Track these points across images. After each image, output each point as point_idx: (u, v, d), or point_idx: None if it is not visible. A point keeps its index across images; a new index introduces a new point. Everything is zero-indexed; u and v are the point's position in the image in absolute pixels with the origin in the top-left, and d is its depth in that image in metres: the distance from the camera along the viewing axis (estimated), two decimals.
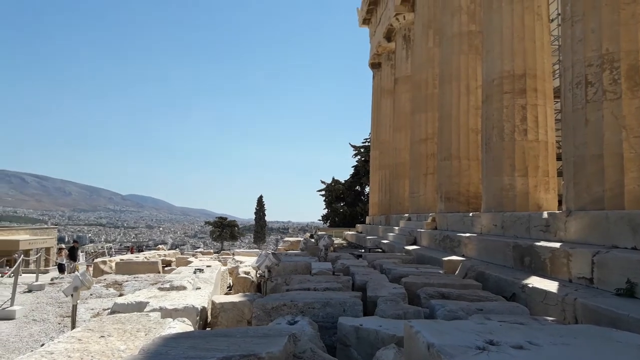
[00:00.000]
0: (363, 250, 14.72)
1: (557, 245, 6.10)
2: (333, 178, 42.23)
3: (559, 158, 8.86)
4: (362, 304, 5.09)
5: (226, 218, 70.31)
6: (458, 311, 4.62)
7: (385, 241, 15.02)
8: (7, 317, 8.03)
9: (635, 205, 5.56)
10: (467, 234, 9.29)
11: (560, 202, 8.46)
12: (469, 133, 11.33)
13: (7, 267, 23.64)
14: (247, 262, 12.00)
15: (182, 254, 21.20)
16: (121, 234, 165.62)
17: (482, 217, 9.17)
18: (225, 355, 2.43)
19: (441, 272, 7.90)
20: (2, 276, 16.71)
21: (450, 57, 11.82)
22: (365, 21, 25.23)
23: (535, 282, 5.77)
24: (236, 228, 68.33)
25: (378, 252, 13.56)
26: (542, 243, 6.50)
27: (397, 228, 15.38)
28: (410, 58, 17.12)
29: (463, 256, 8.88)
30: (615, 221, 5.35)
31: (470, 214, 10.00)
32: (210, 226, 69.99)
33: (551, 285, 5.45)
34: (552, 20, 12.07)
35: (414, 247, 11.81)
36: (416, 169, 14.60)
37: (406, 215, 15.23)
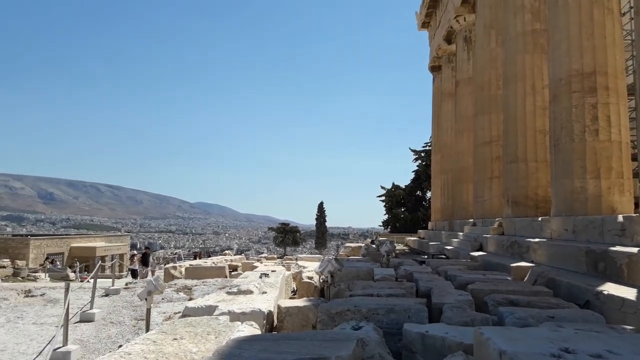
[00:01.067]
0: (426, 257, 14.49)
1: (634, 250, 5.81)
2: (393, 183, 41.87)
3: (634, 158, 8.40)
4: (427, 311, 5.04)
5: (288, 224, 71.37)
6: (528, 318, 4.48)
7: (449, 247, 14.74)
8: (88, 319, 8.55)
9: None
10: (536, 239, 8.96)
11: (636, 205, 8.02)
12: (535, 134, 10.94)
13: (86, 272, 25.14)
14: (310, 267, 12.14)
15: (247, 259, 21.71)
16: (189, 240, 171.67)
17: (552, 222, 8.82)
18: (296, 358, 2.49)
19: (509, 278, 7.66)
20: (81, 281, 17.77)
21: (514, 57, 11.49)
22: (424, 24, 24.96)
23: (611, 289, 5.50)
24: (298, 234, 69.20)
25: (442, 258, 13.31)
26: (617, 248, 6.20)
27: (461, 234, 15.05)
28: (471, 59, 16.77)
29: (532, 262, 8.58)
30: None
31: (539, 219, 9.65)
32: (274, 232, 71.24)
33: (629, 293, 5.18)
34: (624, 14, 11.46)
35: (480, 253, 11.51)
36: (480, 173, 14.24)
37: (471, 220, 14.88)
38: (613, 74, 8.32)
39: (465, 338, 3.66)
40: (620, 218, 6.76)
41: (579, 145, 8.32)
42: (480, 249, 12.06)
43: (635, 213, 7.36)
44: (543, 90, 10.72)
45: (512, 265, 8.47)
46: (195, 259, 29.68)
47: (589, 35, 8.40)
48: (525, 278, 7.56)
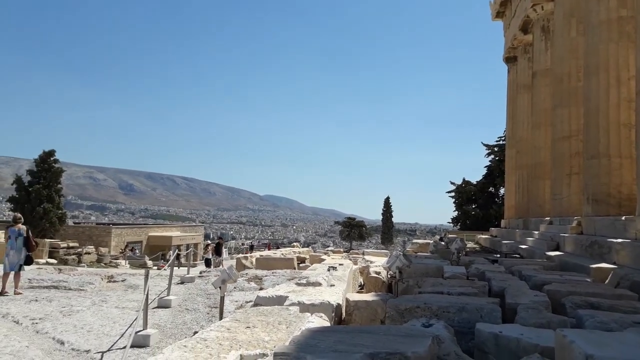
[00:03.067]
0: (498, 255, 14.03)
1: None
2: (464, 179, 40.78)
3: None
4: (500, 311, 4.90)
5: (354, 218, 71.39)
6: (610, 323, 4.24)
7: (523, 246, 14.20)
8: (165, 305, 9.00)
9: None
10: (619, 240, 8.45)
11: None
12: (619, 128, 10.28)
13: (162, 260, 26.43)
14: (377, 262, 12.08)
15: (314, 251, 21.98)
16: (259, 232, 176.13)
17: (637, 222, 8.28)
18: (372, 351, 2.51)
19: (588, 280, 7.29)
20: (159, 269, 18.71)
21: (597, 46, 10.83)
22: (499, 14, 24.06)
23: None
24: (364, 228, 69.09)
25: (515, 257, 12.83)
26: None
27: (536, 232, 14.45)
28: (549, 50, 16.00)
29: (614, 264, 8.11)
30: None
31: (623, 218, 9.08)
32: (340, 226, 71.56)
33: None
34: None
35: (557, 253, 11.01)
36: (558, 169, 13.58)
37: (547, 218, 14.24)
38: None
39: (541, 340, 3.54)
40: None
41: None
42: (556, 249, 11.53)
43: None
44: (629, 81, 10.05)
45: (591, 266, 8.04)
46: (268, 249, 30.42)
47: None
48: (607, 280, 7.16)
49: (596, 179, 10.57)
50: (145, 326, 6.71)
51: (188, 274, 12.64)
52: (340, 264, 9.39)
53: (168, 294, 9.41)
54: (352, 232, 66.26)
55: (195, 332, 4.95)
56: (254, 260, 14.78)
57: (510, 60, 22.69)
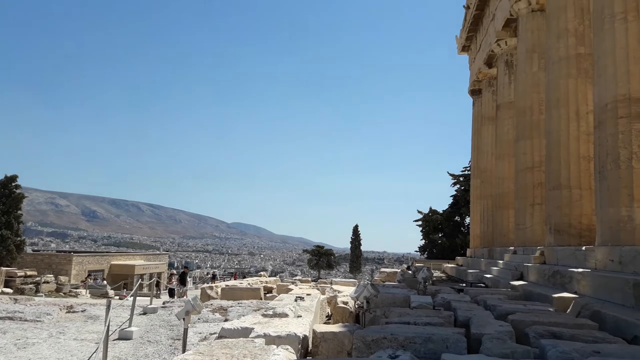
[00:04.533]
0: (464, 285, 14.16)
1: None
2: (430, 208, 41.26)
3: None
4: (465, 341, 4.91)
5: (323, 247, 71.11)
6: (572, 352, 4.31)
7: (488, 275, 14.37)
8: (126, 337, 8.69)
9: None
10: (580, 270, 8.65)
11: None
12: (579, 161, 10.65)
13: (124, 290, 25.67)
14: (345, 291, 12.04)
15: (281, 281, 21.73)
16: (225, 260, 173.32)
17: (597, 252, 8.50)
18: None
19: (551, 309, 7.40)
20: (120, 298, 18.15)
21: (558, 81, 11.28)
22: (465, 48, 24.87)
23: None
24: (332, 257, 68.80)
25: (481, 286, 12.98)
26: None
27: (501, 262, 14.67)
28: (513, 83, 16.56)
29: (575, 293, 8.26)
30: None
31: (583, 248, 9.31)
32: (308, 254, 71.09)
33: None
34: None
35: (520, 282, 11.17)
36: (522, 199, 13.91)
37: (511, 248, 14.49)
38: None
39: None
40: None
41: (625, 173, 8.03)
42: (520, 278, 11.71)
43: None
44: (587, 115, 10.46)
45: (554, 295, 8.18)
46: (234, 279, 29.94)
47: (637, 60, 8.17)
48: (569, 310, 7.28)
49: (558, 210, 10.85)
50: (104, 359, 6.46)
51: (151, 304, 12.28)
52: (307, 294, 9.30)
53: (130, 325, 9.11)
54: (321, 260, 65.90)
55: None
56: (219, 290, 14.51)
57: (475, 92, 23.36)
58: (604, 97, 8.58)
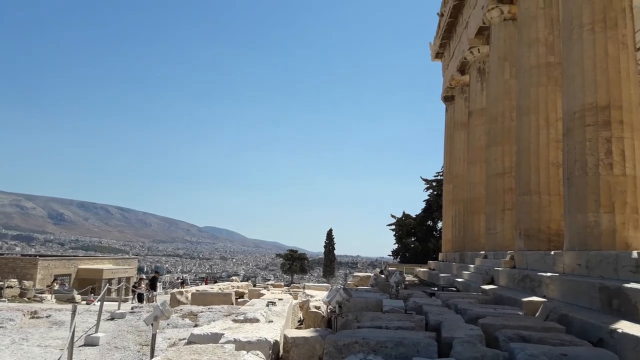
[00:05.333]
0: (436, 289, 14.28)
1: None
2: (404, 212, 41.55)
3: None
4: (436, 345, 4.93)
5: (296, 251, 70.95)
6: (540, 355, 4.37)
7: (459, 279, 14.52)
8: (92, 343, 8.46)
9: None
10: (549, 274, 8.80)
11: None
12: (549, 167, 10.86)
13: (92, 295, 25.06)
14: (318, 296, 11.98)
15: (254, 286, 21.54)
16: (196, 265, 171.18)
17: (565, 256, 8.67)
18: None
19: (520, 313, 7.50)
20: (87, 303, 17.70)
21: (528, 89, 11.50)
22: (438, 55, 25.18)
23: (626, 327, 5.36)
24: (306, 261, 68.74)
25: (452, 290, 13.10)
26: (632, 285, 6.06)
27: (472, 266, 14.84)
28: (485, 90, 16.82)
29: (544, 297, 8.40)
30: None
31: (552, 253, 9.49)
32: (281, 259, 70.86)
33: None
34: (639, 49, 11.48)
35: (491, 286, 11.31)
36: (493, 205, 14.11)
37: (482, 252, 14.68)
38: (627, 108, 8.27)
39: None
40: (634, 254, 6.63)
41: (592, 179, 8.22)
42: (491, 282, 11.86)
43: None
44: (557, 122, 10.68)
45: (523, 299, 8.29)
46: (205, 283, 29.58)
47: (604, 70, 8.39)
48: (537, 313, 7.39)
49: (528, 215, 11.04)
50: None
51: (119, 309, 12.00)
52: (279, 299, 9.22)
53: (96, 331, 8.87)
54: (294, 265, 65.76)
55: None
56: (189, 295, 14.27)
57: (448, 99, 23.66)
58: (572, 105, 8.78)
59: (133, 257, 50.66)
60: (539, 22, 11.59)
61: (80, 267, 36.18)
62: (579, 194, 8.42)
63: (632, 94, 8.43)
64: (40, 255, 40.00)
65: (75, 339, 7.16)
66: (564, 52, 9.33)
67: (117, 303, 13.07)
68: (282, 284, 25.68)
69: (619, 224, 7.95)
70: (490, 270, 12.35)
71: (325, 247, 66.12)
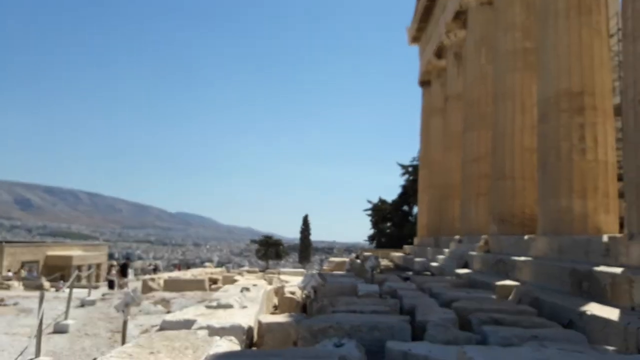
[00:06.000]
0: (411, 273, 14.39)
1: (618, 270, 5.78)
2: (380, 198, 41.77)
3: (620, 179, 8.42)
4: (410, 328, 4.94)
5: (272, 237, 70.94)
6: (512, 338, 4.43)
7: (434, 264, 14.65)
8: (62, 330, 8.29)
9: None
10: (522, 258, 8.92)
11: (621, 225, 8.01)
12: (523, 152, 10.95)
13: (62, 282, 24.59)
14: (293, 281, 11.96)
15: (228, 272, 21.41)
16: (169, 252, 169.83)
17: (538, 241, 8.79)
18: None
19: (494, 297, 7.59)
20: (56, 290, 17.35)
21: (504, 74, 11.53)
22: (415, 39, 25.07)
23: (595, 309, 5.48)
24: (281, 247, 68.77)
25: (427, 275, 13.21)
26: (601, 268, 6.17)
27: (447, 250, 14.99)
28: (461, 76, 16.84)
29: (517, 281, 8.51)
30: None
31: (525, 237, 9.61)
32: (256, 244, 70.73)
33: (612, 313, 5.15)
34: (612, 36, 11.60)
35: (465, 270, 11.43)
36: (468, 190, 14.22)
37: (457, 237, 14.83)
38: (600, 95, 8.37)
39: (448, 357, 3.59)
40: (605, 238, 6.76)
41: (566, 165, 8.32)
42: (465, 267, 11.98)
43: (620, 233, 7.36)
44: (532, 108, 10.74)
45: (497, 283, 8.38)
46: (178, 270, 29.32)
47: (578, 56, 8.45)
48: (510, 297, 7.47)
49: (502, 200, 11.15)
50: (38, 354, 6.16)
51: (89, 296, 11.80)
52: (254, 285, 9.15)
53: (65, 318, 8.71)
54: (269, 251, 65.72)
55: (95, 359, 4.58)
56: (161, 282, 14.12)
57: (424, 84, 23.67)
58: (547, 91, 8.84)
59: (103, 243, 49.89)
60: (516, 7, 11.60)
61: (48, 253, 35.39)
62: (552, 179, 8.51)
63: (605, 81, 8.53)
64: (6, 242, 38.99)
65: (44, 326, 7.00)
66: (540, 37, 9.36)
67: (87, 290, 12.84)
68: (257, 270, 25.60)
69: (591, 209, 8.08)
70: (465, 255, 12.48)
71: (301, 232, 66.25)
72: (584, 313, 5.48)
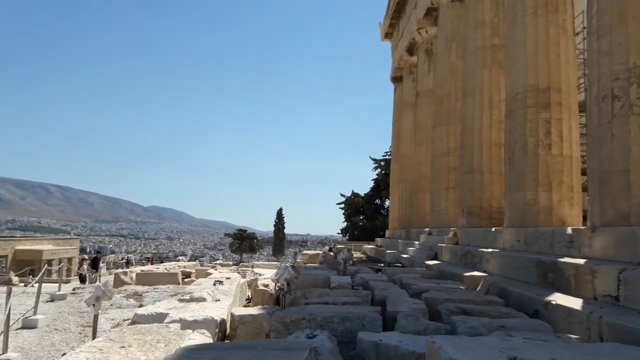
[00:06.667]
0: (382, 265, 14.59)
1: (581, 261, 5.98)
2: (353, 191, 42.10)
3: (583, 173, 8.70)
4: (381, 319, 5.04)
5: (246, 230, 70.61)
6: (480, 328, 4.55)
7: (405, 256, 14.88)
8: (30, 326, 8.14)
9: None
10: (490, 250, 9.14)
11: (585, 218, 8.28)
12: (491, 147, 11.20)
13: (31, 277, 24.04)
14: (266, 274, 11.98)
15: (201, 265, 21.29)
16: (142, 245, 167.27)
17: (505, 233, 9.02)
18: None
19: (462, 287, 7.78)
20: (25, 285, 16.99)
21: (473, 70, 11.75)
22: (388, 35, 25.25)
23: (559, 299, 5.66)
24: (255, 240, 68.54)
25: (398, 266, 13.43)
26: (566, 259, 6.38)
27: (417, 242, 15.23)
28: (432, 72, 17.06)
29: (485, 272, 8.74)
30: None
31: (493, 229, 9.85)
32: (230, 238, 70.32)
33: (575, 303, 5.34)
34: (578, 34, 11.91)
35: (435, 262, 11.66)
36: (437, 183, 14.47)
37: (427, 229, 15.08)
38: (566, 91, 8.61)
39: (418, 346, 3.67)
40: (569, 230, 6.96)
41: (532, 159, 8.55)
42: (435, 258, 12.22)
43: (583, 226, 7.61)
44: (500, 104, 10.98)
45: (465, 274, 8.59)
46: (151, 264, 28.99)
47: (545, 53, 8.67)
48: (478, 287, 7.67)
49: (470, 193, 11.39)
50: (5, 350, 6.04)
51: (59, 290, 11.60)
52: (227, 278, 9.16)
53: (34, 313, 8.55)
54: (243, 244, 65.43)
55: (64, 354, 4.53)
56: (134, 275, 13.96)
57: (396, 79, 23.88)
58: (514, 87, 9.05)
59: (75, 237, 48.85)
60: (485, 4, 11.80)
61: (17, 248, 34.53)
62: (519, 173, 8.74)
63: (571, 77, 8.78)
64: None
65: (12, 322, 6.87)
66: (508, 34, 9.56)
67: (58, 284, 12.62)
68: (231, 263, 25.55)
69: (556, 201, 8.33)
70: (435, 247, 12.71)
71: (275, 226, 66.16)
72: (549, 303, 5.66)
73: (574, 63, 9.02)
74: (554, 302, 5.59)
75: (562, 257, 6.55)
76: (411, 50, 20.41)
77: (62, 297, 11.06)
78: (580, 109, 9.32)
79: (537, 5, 8.87)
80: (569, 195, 8.40)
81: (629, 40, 5.85)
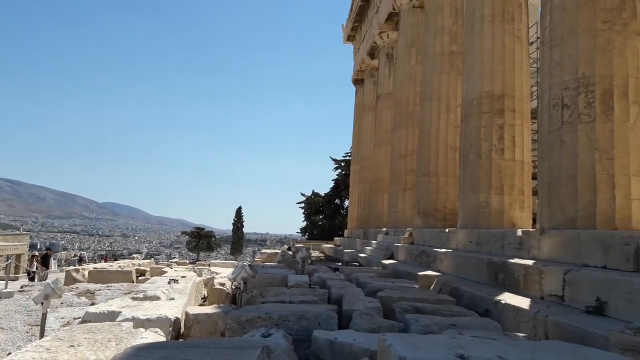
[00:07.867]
0: (340, 264, 14.70)
1: (530, 262, 6.20)
2: (313, 191, 42.19)
3: (534, 177, 9.04)
4: (337, 317, 5.08)
5: (203, 228, 69.58)
6: (432, 326, 4.64)
7: (362, 255, 15.04)
8: None
9: (607, 226, 5.68)
10: (443, 250, 9.37)
11: (534, 221, 8.61)
12: (447, 151, 11.49)
13: None
14: (223, 273, 11.87)
15: (156, 263, 20.86)
16: (95, 242, 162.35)
17: (458, 233, 9.26)
18: None
19: (417, 286, 7.93)
20: None
21: (432, 76, 12.00)
22: (350, 38, 25.46)
23: (508, 298, 5.84)
24: (213, 239, 67.65)
25: (355, 265, 13.56)
26: (515, 260, 6.59)
27: (374, 242, 15.42)
28: (392, 75, 17.33)
29: (438, 271, 8.94)
30: (587, 240, 5.46)
31: (447, 230, 10.10)
32: (187, 236, 69.16)
33: (523, 302, 5.53)
34: (532, 44, 12.35)
35: (391, 261, 11.85)
36: (395, 185, 14.70)
37: (384, 229, 15.30)
38: (519, 98, 8.91)
39: (372, 344, 3.72)
40: (519, 232, 7.21)
41: (485, 163, 8.81)
42: (391, 257, 12.40)
43: (532, 228, 7.89)
44: (456, 109, 11.27)
45: (419, 273, 8.76)
46: (105, 261, 28.23)
47: (500, 61, 8.95)
48: (432, 286, 7.84)
49: (426, 195, 11.64)
50: None
51: (6, 288, 11.16)
52: (182, 277, 9.03)
53: None
54: (200, 242, 64.46)
55: (9, 354, 4.37)
56: (86, 273, 13.56)
57: (358, 82, 24.11)
58: (471, 93, 9.31)
59: (24, 232, 47.06)
60: (445, 11, 12.09)
61: None
62: (472, 176, 9.00)
63: (524, 85, 9.10)
64: None
65: None
66: (466, 41, 9.83)
67: (4, 282, 12.13)
68: (187, 261, 25.13)
69: (507, 204, 8.62)
70: (391, 246, 12.91)
71: (234, 224, 65.52)
72: (498, 302, 5.84)
73: (527, 71, 9.36)
74: (503, 302, 5.76)
75: (512, 258, 6.77)
76: (373, 53, 20.67)
77: (9, 295, 10.65)
78: (533, 116, 9.68)
79: (495, 14, 9.15)
80: (519, 198, 8.70)
81: (578, 52, 6.13)
